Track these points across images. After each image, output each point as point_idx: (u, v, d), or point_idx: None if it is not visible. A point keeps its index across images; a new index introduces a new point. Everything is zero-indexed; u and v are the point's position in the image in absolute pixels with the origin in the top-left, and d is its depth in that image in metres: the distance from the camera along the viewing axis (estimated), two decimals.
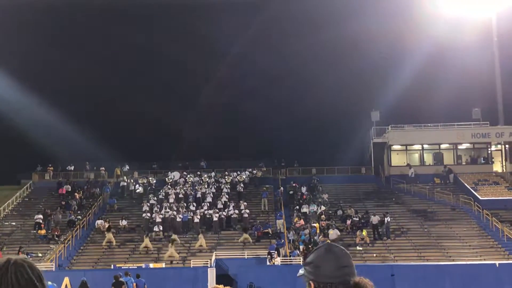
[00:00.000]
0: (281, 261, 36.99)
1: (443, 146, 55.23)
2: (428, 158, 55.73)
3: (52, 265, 36.83)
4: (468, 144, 54.81)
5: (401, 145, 55.40)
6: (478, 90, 56.07)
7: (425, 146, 55.42)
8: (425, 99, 58.24)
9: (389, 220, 42.06)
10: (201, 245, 40.47)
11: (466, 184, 49.35)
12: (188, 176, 52.35)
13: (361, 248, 40.12)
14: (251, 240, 41.47)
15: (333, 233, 39.73)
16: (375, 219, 42.20)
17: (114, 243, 41.74)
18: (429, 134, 54.71)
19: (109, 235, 41.72)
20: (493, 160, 54.34)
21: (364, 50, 60.44)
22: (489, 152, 54.56)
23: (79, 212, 47.22)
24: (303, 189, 49.41)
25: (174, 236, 41.40)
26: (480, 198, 46.37)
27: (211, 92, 65.05)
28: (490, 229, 42.13)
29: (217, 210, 44.67)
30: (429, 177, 51.66)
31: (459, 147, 55.01)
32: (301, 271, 2.76)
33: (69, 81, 65.17)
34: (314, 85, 63.16)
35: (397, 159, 55.12)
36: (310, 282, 2.69)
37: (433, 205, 47.35)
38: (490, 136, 53.47)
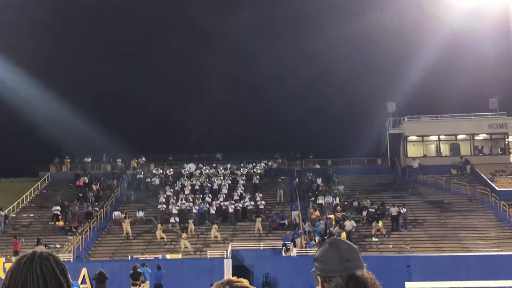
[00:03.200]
0: (296, 252, 37.07)
1: (459, 136, 54.84)
2: (445, 149, 55.40)
3: (70, 256, 37.18)
4: (485, 135, 54.40)
5: (417, 136, 55.10)
6: (495, 80, 55.59)
7: (442, 137, 55.07)
8: (442, 89, 57.89)
9: (405, 211, 41.92)
10: (215, 236, 40.67)
11: (483, 175, 48.99)
12: (204, 168, 52.52)
13: (377, 239, 40.04)
14: (261, 230, 41.56)
15: (349, 225, 39.70)
16: (394, 211, 41.97)
17: (131, 234, 42.04)
18: (446, 125, 54.36)
19: (126, 225, 42.00)
20: (510, 150, 53.88)
21: (380, 41, 60.12)
22: (506, 142, 54.11)
23: (96, 203, 47.57)
24: (319, 181, 49.36)
25: (190, 226, 41.67)
26: (497, 189, 46.00)
27: (227, 84, 65.09)
28: (507, 220, 41.84)
29: (233, 202, 44.82)
30: (445, 168, 51.35)
31: (476, 137, 54.60)
32: (314, 268, 2.83)
33: (85, 75, 65.54)
34: (329, 76, 62.97)
35: (413, 150, 54.85)
36: (318, 277, 2.75)
37: (449, 196, 47.09)
38: (507, 127, 53.00)
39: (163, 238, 40.98)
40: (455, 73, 57.10)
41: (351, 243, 2.84)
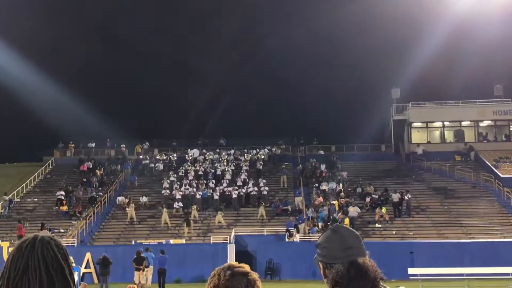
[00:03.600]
0: (300, 238, 37.17)
1: (464, 123, 54.71)
2: (449, 135, 55.31)
3: (74, 241, 37.38)
4: (490, 121, 54.26)
5: (422, 122, 54.98)
6: (500, 67, 55.32)
7: (446, 123, 54.94)
8: (446, 76, 57.65)
9: (409, 197, 41.93)
10: (219, 222, 40.78)
11: (487, 162, 48.93)
12: (208, 153, 52.56)
13: (380, 226, 40.10)
14: (264, 215, 41.60)
15: (353, 211, 39.74)
16: (396, 197, 42.00)
17: (135, 219, 42.17)
18: (450, 111, 54.20)
19: (131, 210, 42.11)
20: None
21: (385, 27, 59.79)
22: (511, 129, 53.97)
23: (100, 188, 47.70)
24: (322, 167, 49.34)
25: (194, 211, 41.74)
26: (501, 175, 45.97)
27: (230, 69, 64.98)
28: (510, 207, 41.83)
29: (236, 188, 44.88)
30: (449, 154, 51.29)
31: (480, 124, 54.47)
32: (316, 254, 2.82)
33: (89, 61, 65.47)
34: (334, 62, 62.76)
35: (417, 137, 54.76)
36: (319, 263, 2.75)
37: (453, 183, 47.07)
38: None
39: (167, 223, 41.10)
40: (460, 59, 56.84)
41: (354, 230, 2.83)
